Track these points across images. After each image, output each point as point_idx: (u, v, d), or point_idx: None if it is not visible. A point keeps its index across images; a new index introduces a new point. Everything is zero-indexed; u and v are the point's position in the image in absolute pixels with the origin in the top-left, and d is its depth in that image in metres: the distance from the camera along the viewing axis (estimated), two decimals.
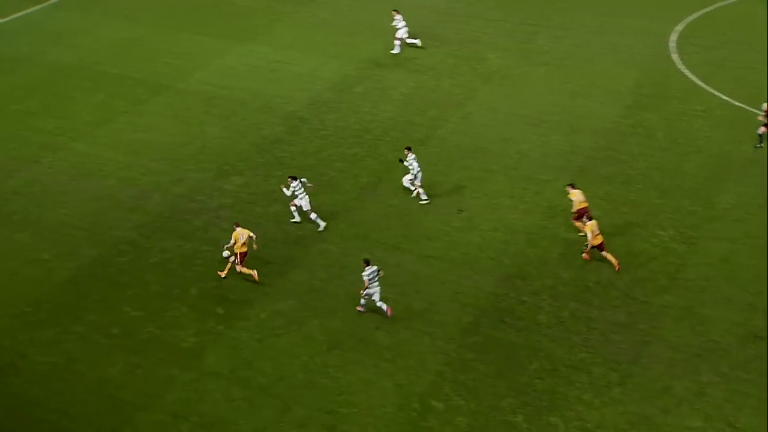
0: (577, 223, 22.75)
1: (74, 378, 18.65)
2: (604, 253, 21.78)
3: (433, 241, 23.13)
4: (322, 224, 23.37)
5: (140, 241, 23.07)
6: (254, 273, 21.34)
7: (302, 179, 23.40)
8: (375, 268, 20.15)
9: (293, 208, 23.55)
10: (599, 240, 21.70)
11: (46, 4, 37.36)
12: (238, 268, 21.36)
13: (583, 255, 22.05)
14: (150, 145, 27.53)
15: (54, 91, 30.32)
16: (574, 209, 22.77)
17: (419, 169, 24.44)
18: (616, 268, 21.66)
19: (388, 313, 20.23)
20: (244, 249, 21.34)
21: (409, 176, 24.63)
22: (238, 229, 21.46)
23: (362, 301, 20.34)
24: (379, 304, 20.23)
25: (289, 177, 23.43)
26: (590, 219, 22.06)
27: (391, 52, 33.00)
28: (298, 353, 19.41)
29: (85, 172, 25.93)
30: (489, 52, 33.64)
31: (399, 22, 32.98)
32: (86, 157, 26.69)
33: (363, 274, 20.10)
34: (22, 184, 25.19)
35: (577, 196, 22.76)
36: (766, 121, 26.52)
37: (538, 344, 19.61)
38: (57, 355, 19.24)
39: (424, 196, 24.56)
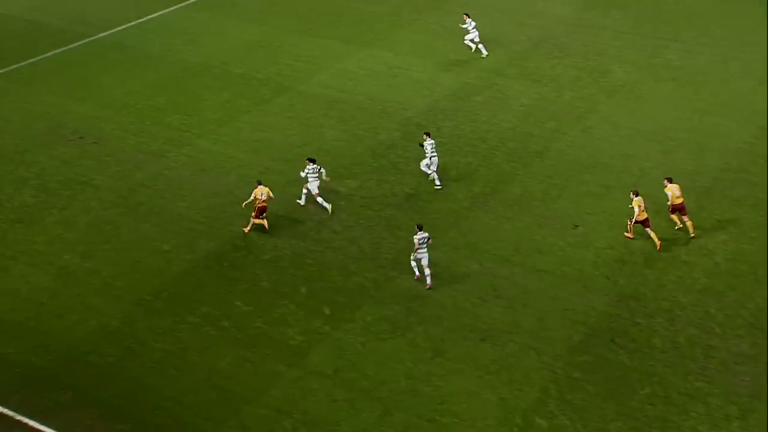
0: (673, 216, 23.12)
1: (187, 367, 19.34)
2: (648, 230, 22.51)
3: (545, 255, 22.74)
4: (328, 207, 24.44)
5: (254, 238, 23.72)
6: (265, 222, 23.54)
7: (321, 169, 24.45)
8: (426, 235, 21.44)
9: (304, 191, 24.74)
10: (644, 216, 22.38)
11: (181, 5, 39.06)
12: (252, 218, 23.41)
13: (626, 234, 22.82)
14: (270, 144, 28.30)
15: (182, 88, 31.64)
16: (670, 203, 23.00)
17: (434, 154, 25.42)
18: (658, 247, 22.36)
19: (430, 285, 21.33)
20: (264, 204, 23.35)
21: (425, 161, 25.57)
22: (260, 187, 23.45)
23: (413, 263, 21.60)
24: (426, 272, 21.36)
25: (308, 159, 24.77)
26: (680, 212, 22.77)
27: (482, 56, 33.55)
28: (402, 359, 19.46)
29: (206, 168, 26.92)
30: (615, 65, 32.85)
31: (470, 25, 33.56)
32: (209, 153, 27.70)
33: (414, 237, 21.46)
34: (148, 176, 26.38)
35: (672, 191, 22.93)
36: None
37: (651, 369, 18.94)
38: (172, 344, 20.02)
39: (438, 183, 25.55)
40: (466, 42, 33.75)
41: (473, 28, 33.61)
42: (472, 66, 33.16)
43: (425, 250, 21.39)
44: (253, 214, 23.53)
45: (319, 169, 24.51)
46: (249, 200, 23.57)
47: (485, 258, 22.58)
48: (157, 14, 37.99)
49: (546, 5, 38.85)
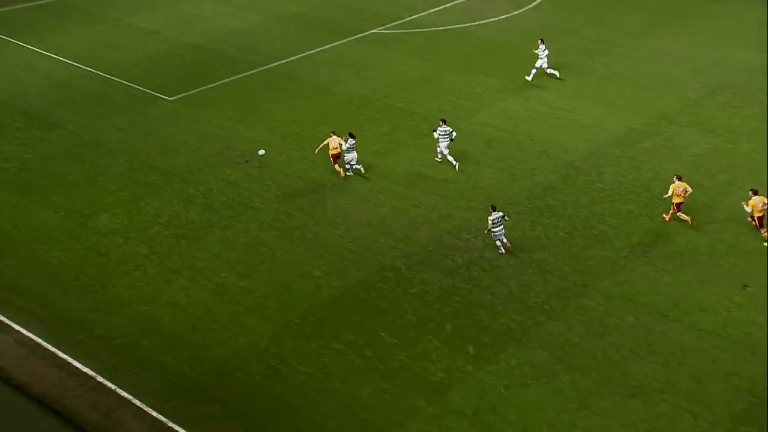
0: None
1: (328, 392, 19.70)
2: (679, 214, 25.12)
3: (707, 313, 21.55)
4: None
5: (403, 270, 23.96)
6: (341, 171, 28.05)
7: (453, 132, 28.57)
8: (500, 214, 24.25)
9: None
10: (679, 200, 25.00)
11: (351, 39, 40.47)
12: (336, 167, 28.17)
13: (666, 216, 25.45)
14: (425, 178, 28.61)
15: (345, 118, 32.64)
16: (751, 214, 24.43)
17: (442, 139, 28.57)
18: (690, 223, 24.89)
19: (507, 246, 24.31)
20: (336, 152, 28.06)
21: (443, 147, 28.83)
22: (334, 137, 28.14)
23: (497, 243, 24.34)
24: (504, 240, 24.30)
25: (349, 133, 28.30)
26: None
27: (526, 78, 34.86)
28: (545, 407, 18.93)
29: (362, 198, 27.54)
30: None
31: (542, 51, 34.49)
32: (365, 183, 28.33)
33: (489, 218, 24.13)
34: (306, 203, 27.31)
35: (755, 203, 24.21)
36: None
37: None
38: (315, 368, 20.47)
39: (454, 163, 28.78)
40: (536, 69, 34.81)
41: (544, 55, 34.47)
42: (640, 111, 32.24)
43: (501, 227, 24.21)
44: (333, 161, 28.13)
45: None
46: (320, 147, 28.43)
47: (640, 311, 21.69)
48: (327, 47, 39.54)
49: (727, 51, 37.28)
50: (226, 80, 35.53)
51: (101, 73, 36.15)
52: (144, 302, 22.67)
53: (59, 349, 20.84)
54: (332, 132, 28.44)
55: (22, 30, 40.70)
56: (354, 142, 28.16)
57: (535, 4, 44.92)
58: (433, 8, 44.71)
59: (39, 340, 21.11)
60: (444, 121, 29.23)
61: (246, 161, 29.53)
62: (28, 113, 32.69)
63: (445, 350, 20.80)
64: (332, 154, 28.15)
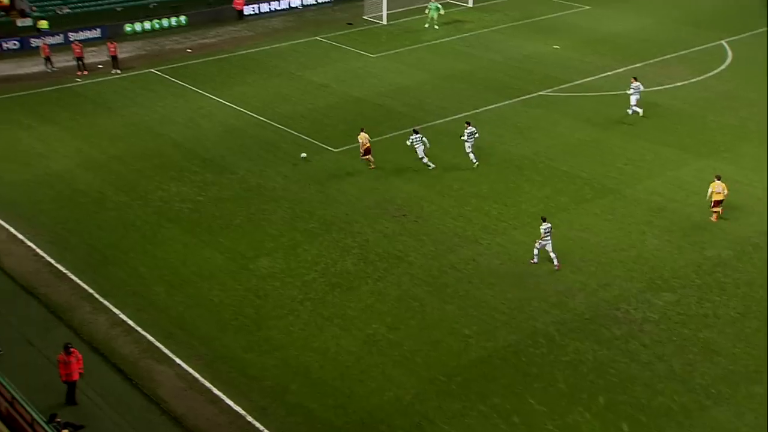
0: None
1: None
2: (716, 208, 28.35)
3: None
4: (431, 165, 32.81)
5: (557, 337, 23.42)
6: (371, 159, 32.92)
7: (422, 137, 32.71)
8: (549, 225, 26.35)
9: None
10: (719, 197, 28.28)
11: (515, 100, 40.64)
12: (363, 158, 32.77)
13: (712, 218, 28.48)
14: (584, 244, 28.02)
15: (504, 178, 32.64)
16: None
17: (468, 140, 33.02)
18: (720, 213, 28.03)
19: (557, 266, 26.19)
20: (367, 145, 32.64)
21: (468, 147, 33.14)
22: (363, 134, 32.86)
23: (535, 251, 26.53)
24: (552, 255, 26.27)
25: (413, 129, 33.21)
26: None
27: (628, 111, 37.28)
28: None
29: (517, 260, 27.29)
30: None
31: (635, 89, 37.10)
32: (521, 245, 28.09)
33: (541, 227, 26.35)
34: (459, 260, 27.38)
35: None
36: None
37: None
38: (459, 429, 20.25)
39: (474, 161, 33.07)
40: (630, 109, 37.09)
41: (636, 91, 36.97)
42: None
43: (549, 238, 26.33)
44: (362, 153, 32.37)
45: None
46: (363, 148, 32.70)
47: None
48: (491, 106, 39.87)
49: None
50: (390, 135, 36.49)
51: (272, 123, 38.12)
52: (296, 347, 23.34)
53: (214, 386, 21.76)
54: (362, 129, 33.48)
55: (204, 80, 43.70)
56: (418, 136, 32.86)
57: (715, 72, 43.51)
58: (605, 73, 44.23)
59: (196, 375, 22.14)
60: (469, 123, 33.81)
61: (403, 215, 30.06)
62: (204, 158, 34.87)
63: (597, 424, 20.03)
64: (364, 149, 32.96)
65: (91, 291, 25.67)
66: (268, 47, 49.68)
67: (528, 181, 32.47)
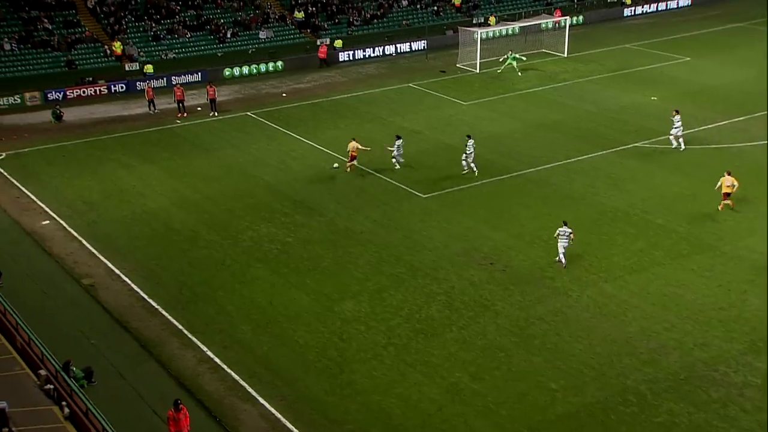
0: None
1: None
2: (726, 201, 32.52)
3: None
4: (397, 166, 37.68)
5: (649, 396, 22.66)
6: (353, 165, 37.53)
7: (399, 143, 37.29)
8: (569, 230, 29.11)
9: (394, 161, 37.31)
10: (728, 190, 32.55)
11: (610, 150, 40.08)
12: (349, 164, 37.47)
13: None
14: (679, 301, 27.20)
15: (596, 230, 32.10)
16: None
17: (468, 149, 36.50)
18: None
19: (563, 264, 29.09)
20: (355, 154, 37.14)
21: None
22: (354, 142, 37.32)
23: (561, 254, 29.14)
24: (561, 254, 29.04)
25: (396, 136, 38.26)
26: None
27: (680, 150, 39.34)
28: None
29: (607, 313, 26.68)
30: None
31: (676, 121, 39.33)
32: (612, 299, 27.47)
33: (558, 229, 29.11)
34: (547, 312, 26.94)
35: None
36: None
37: None
38: None
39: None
40: (671, 138, 39.50)
41: (678, 124, 39.18)
42: None
43: (566, 240, 29.03)
44: (349, 159, 37.79)
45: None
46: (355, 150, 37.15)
47: None
48: (584, 156, 39.44)
49: None
50: (479, 183, 36.46)
51: (362, 167, 38.64)
52: (378, 392, 23.29)
53: (296, 427, 21.86)
54: (353, 138, 37.75)
55: (297, 123, 44.78)
56: (401, 141, 37.86)
57: None
58: (705, 125, 43.29)
59: (279, 416, 22.30)
60: (469, 137, 37.27)
61: (491, 263, 29.85)
62: (294, 199, 35.56)
63: None
64: (351, 155, 37.43)
65: (180, 327, 26.32)
66: (361, 93, 50.63)
67: (621, 234, 31.84)
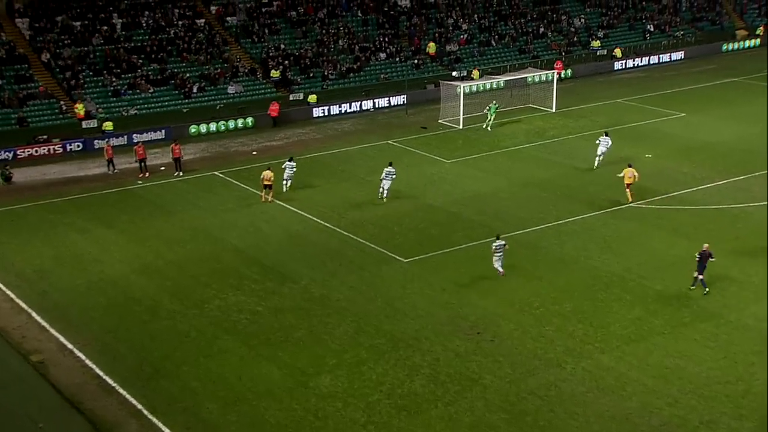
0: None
1: None
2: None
3: None
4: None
5: None
6: (263, 195, 41.33)
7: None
8: (503, 242, 33.07)
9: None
10: (629, 181, 40.77)
11: (604, 211, 40.45)
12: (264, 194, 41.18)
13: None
14: (682, 374, 27.15)
15: (591, 297, 32.17)
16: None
17: (386, 179, 41.73)
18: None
19: (501, 274, 33.13)
20: (270, 183, 41.06)
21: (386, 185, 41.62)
22: (268, 171, 41.43)
23: (496, 265, 33.28)
24: (496, 266, 33.15)
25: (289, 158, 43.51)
26: None
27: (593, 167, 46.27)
28: None
29: (605, 387, 26.56)
30: None
31: (604, 141, 46.12)
32: (610, 371, 27.39)
33: (492, 244, 32.97)
34: (540, 385, 26.77)
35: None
36: None
37: None
38: None
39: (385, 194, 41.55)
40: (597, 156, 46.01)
41: (604, 144, 45.91)
42: None
43: (501, 254, 32.97)
44: (263, 189, 41.01)
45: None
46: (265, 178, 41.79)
47: None
48: (577, 217, 39.76)
49: None
50: (464, 245, 36.59)
51: (338, 230, 38.67)
52: None
53: None
54: (269, 167, 41.97)
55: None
56: (293, 164, 42.99)
57: None
58: (704, 184, 43.88)
59: None
60: (391, 164, 41.65)
61: (478, 333, 29.74)
62: (264, 265, 35.43)
63: None
64: (266, 185, 41.25)
65: (139, 406, 25.84)
66: (337, 150, 51.01)
67: (617, 301, 31.91)
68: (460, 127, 55.11)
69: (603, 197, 42.19)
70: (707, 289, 31.90)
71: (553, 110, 58.81)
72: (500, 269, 33.41)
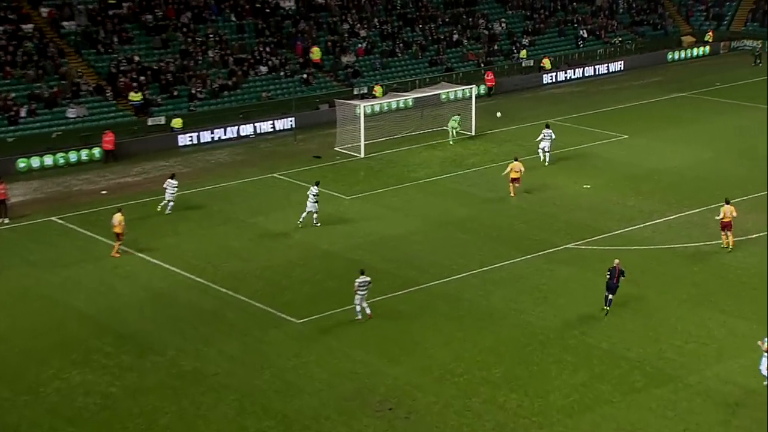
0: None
1: None
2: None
3: None
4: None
5: None
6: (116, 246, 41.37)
7: None
8: (368, 279, 34.60)
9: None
10: (515, 175, 47.76)
11: (537, 254, 41.02)
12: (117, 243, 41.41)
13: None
14: None
15: (525, 359, 32.43)
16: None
17: (310, 201, 44.09)
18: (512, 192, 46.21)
19: (368, 316, 34.75)
20: (120, 231, 41.02)
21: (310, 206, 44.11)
22: (118, 215, 41.21)
23: (357, 308, 34.64)
24: (360, 307, 34.74)
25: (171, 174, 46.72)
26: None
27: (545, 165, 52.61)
28: None
29: None
30: None
31: (547, 135, 52.32)
32: None
33: (356, 280, 34.32)
34: None
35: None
36: None
37: None
38: None
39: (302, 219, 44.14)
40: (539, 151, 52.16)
41: (547, 138, 52.01)
42: None
43: (364, 292, 34.56)
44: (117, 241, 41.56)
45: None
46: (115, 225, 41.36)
47: None
48: (504, 263, 40.18)
49: None
50: (370, 301, 36.50)
51: (214, 286, 38.10)
52: None
53: None
54: (119, 209, 42.05)
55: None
56: (175, 183, 45.97)
57: None
58: (654, 220, 45.06)
59: None
60: (317, 183, 44.49)
61: (390, 408, 29.61)
62: (120, 334, 34.58)
63: None
64: (117, 233, 41.30)
65: None
66: (211, 186, 50.56)
67: (556, 363, 32.29)
68: (362, 155, 55.34)
69: (535, 237, 42.83)
70: (607, 308, 35.24)
71: (473, 133, 59.70)
72: (367, 310, 34.76)
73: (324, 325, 34.96)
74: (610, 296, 35.03)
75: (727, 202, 41.12)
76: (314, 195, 43.92)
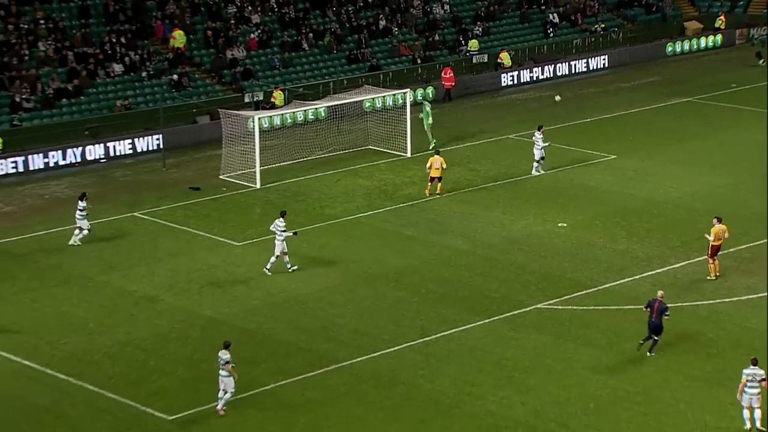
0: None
1: None
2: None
3: None
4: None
5: None
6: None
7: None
8: (228, 357, 34.95)
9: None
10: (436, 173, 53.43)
11: (496, 318, 41.14)
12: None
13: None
14: None
15: None
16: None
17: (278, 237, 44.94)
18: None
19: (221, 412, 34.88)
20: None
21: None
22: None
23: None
24: (225, 400, 34.93)
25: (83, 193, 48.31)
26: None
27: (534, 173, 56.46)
28: None
29: None
30: None
31: (539, 140, 56.45)
32: None
33: (219, 354, 34.96)
34: None
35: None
36: None
37: None
38: None
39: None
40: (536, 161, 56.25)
41: (541, 145, 56.14)
42: None
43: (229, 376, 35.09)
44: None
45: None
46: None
47: None
48: (453, 330, 40.21)
49: None
50: (272, 385, 36.31)
51: (50, 371, 37.49)
52: None
53: None
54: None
55: None
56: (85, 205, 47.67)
57: None
58: (653, 269, 45.61)
59: None
60: (284, 214, 45.53)
61: None
62: None
63: None
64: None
65: None
66: (43, 232, 50.01)
67: None
68: (257, 186, 55.25)
69: (495, 294, 42.96)
70: (651, 353, 37.50)
71: (409, 155, 59.86)
72: (222, 406, 34.69)
73: (205, 423, 34.55)
74: (655, 337, 37.31)
75: (719, 221, 43.64)
76: (281, 230, 44.79)
